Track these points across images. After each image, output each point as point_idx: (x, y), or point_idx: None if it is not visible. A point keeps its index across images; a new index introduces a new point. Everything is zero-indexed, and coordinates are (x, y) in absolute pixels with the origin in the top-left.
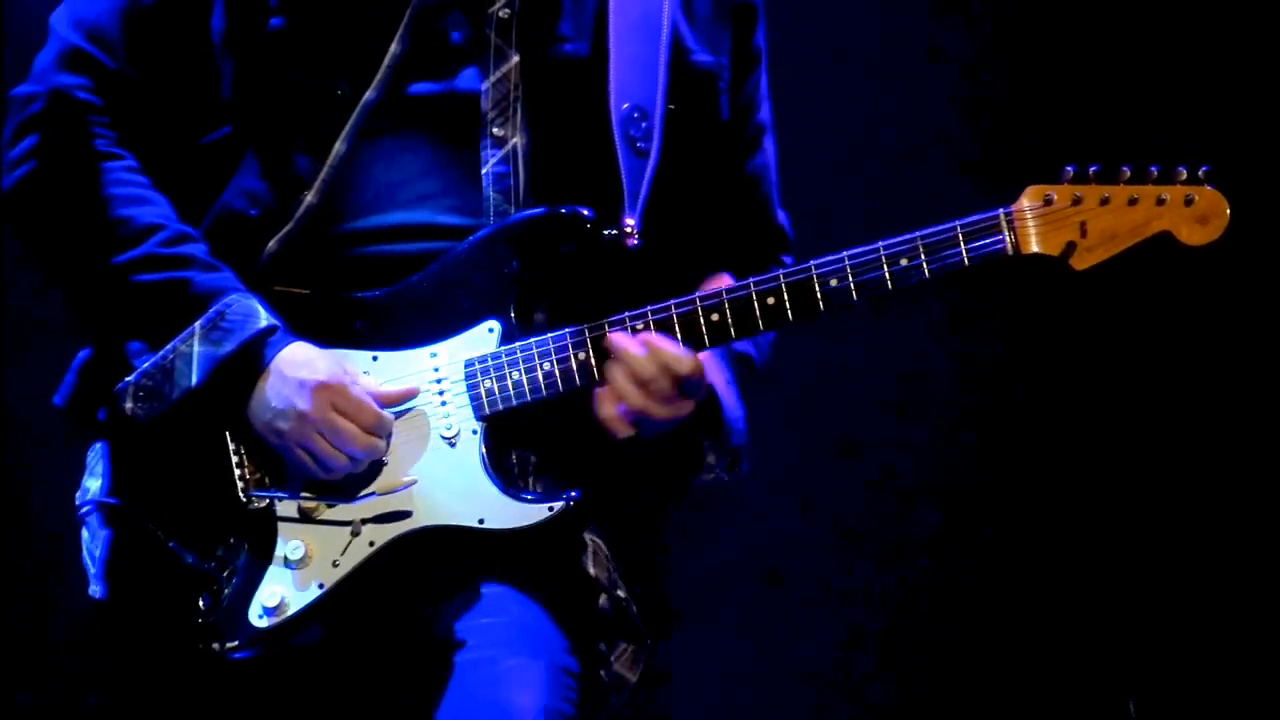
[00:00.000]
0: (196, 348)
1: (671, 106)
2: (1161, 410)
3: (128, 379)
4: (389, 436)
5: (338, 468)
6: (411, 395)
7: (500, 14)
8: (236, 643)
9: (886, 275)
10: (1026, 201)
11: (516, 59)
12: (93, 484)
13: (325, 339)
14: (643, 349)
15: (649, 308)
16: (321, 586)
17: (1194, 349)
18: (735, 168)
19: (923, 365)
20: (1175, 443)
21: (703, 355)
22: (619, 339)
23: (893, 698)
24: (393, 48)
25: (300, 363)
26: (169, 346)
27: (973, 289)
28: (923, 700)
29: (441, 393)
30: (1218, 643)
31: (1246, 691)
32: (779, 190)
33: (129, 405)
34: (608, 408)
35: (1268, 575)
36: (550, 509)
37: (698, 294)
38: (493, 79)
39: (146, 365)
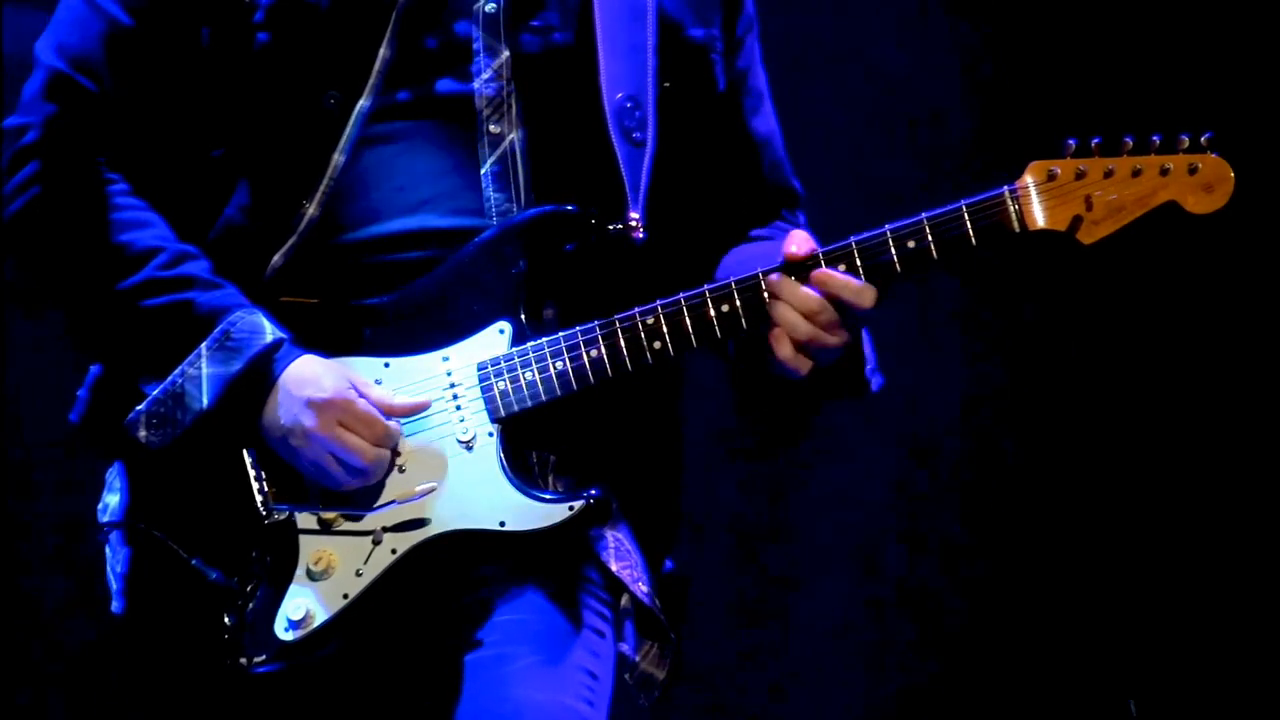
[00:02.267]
0: (205, 369)
1: (666, 84)
2: (1160, 411)
3: (138, 408)
4: (400, 447)
5: (349, 483)
6: (423, 407)
7: (486, 9)
8: (263, 656)
9: (895, 258)
10: (1030, 177)
11: (507, 53)
12: (112, 500)
13: (335, 348)
14: (807, 283)
15: (659, 302)
16: (346, 597)
17: (1193, 344)
18: (741, 132)
19: (922, 365)
20: (1175, 442)
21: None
22: (779, 279)
23: (892, 697)
24: (382, 52)
25: (307, 379)
26: (177, 371)
27: (976, 288)
28: (923, 699)
29: (456, 397)
30: (1218, 643)
31: (1246, 691)
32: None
33: (143, 434)
34: (785, 348)
35: (1268, 575)
36: (571, 508)
37: (706, 286)
38: (485, 76)
39: (156, 392)
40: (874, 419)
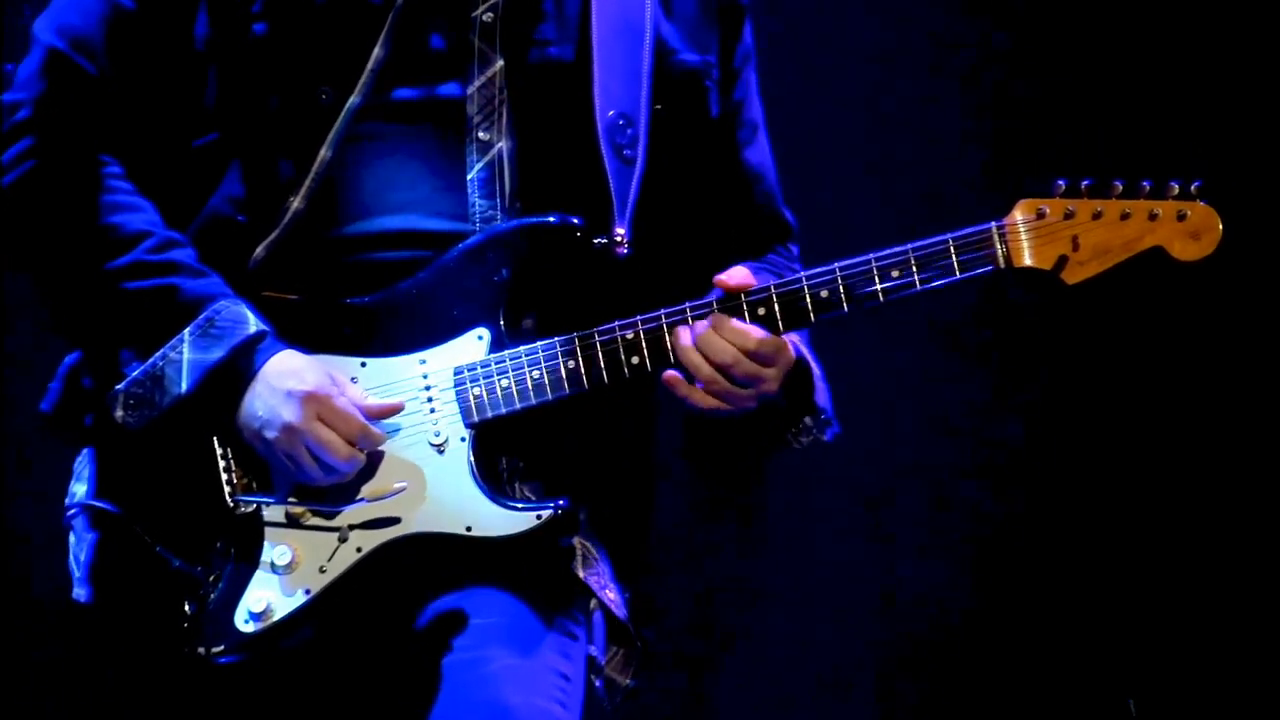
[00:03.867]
0: (186, 355)
1: (658, 107)
2: (1160, 411)
3: (118, 387)
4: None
5: (321, 478)
6: (395, 409)
7: (484, 18)
8: (222, 647)
9: (878, 287)
10: (1019, 214)
11: (501, 63)
12: (79, 488)
13: (314, 345)
14: (716, 335)
15: (639, 317)
16: (308, 592)
17: (1192, 348)
18: (734, 162)
19: (912, 365)
20: (1174, 443)
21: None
22: (685, 329)
23: (893, 697)
24: (376, 52)
25: (288, 372)
26: (159, 353)
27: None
28: (923, 700)
29: (430, 400)
30: (1218, 643)
31: (1246, 691)
32: (781, 188)
33: (120, 413)
34: (698, 397)
35: (1268, 575)
36: (538, 517)
37: (688, 304)
38: (477, 83)
39: (136, 373)
40: (861, 422)
